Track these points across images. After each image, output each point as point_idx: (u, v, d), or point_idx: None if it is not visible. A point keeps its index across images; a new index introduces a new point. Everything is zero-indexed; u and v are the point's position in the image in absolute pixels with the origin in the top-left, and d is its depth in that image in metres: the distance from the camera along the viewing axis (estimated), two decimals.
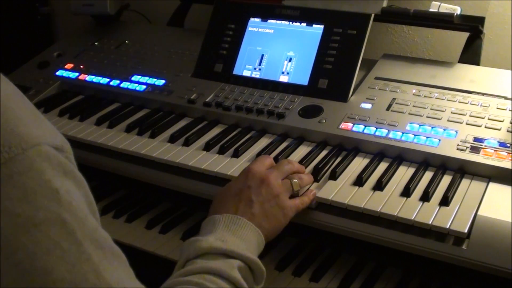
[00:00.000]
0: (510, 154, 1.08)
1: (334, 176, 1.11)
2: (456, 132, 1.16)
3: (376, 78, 1.35)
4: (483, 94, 1.24)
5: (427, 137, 1.16)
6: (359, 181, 1.08)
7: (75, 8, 1.77)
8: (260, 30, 1.44)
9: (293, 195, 1.03)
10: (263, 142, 1.26)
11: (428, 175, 1.09)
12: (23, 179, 0.58)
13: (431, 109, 1.23)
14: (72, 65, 1.63)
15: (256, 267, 0.87)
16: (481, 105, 1.21)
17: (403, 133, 1.18)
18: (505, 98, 1.22)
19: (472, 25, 1.37)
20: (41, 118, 0.65)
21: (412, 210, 1.00)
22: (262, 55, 1.42)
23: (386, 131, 1.19)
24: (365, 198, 1.04)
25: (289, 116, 1.29)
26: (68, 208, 0.60)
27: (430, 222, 0.96)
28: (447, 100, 1.24)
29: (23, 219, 0.58)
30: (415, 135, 1.17)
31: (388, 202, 1.02)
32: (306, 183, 1.08)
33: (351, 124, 1.22)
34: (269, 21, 1.44)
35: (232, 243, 0.87)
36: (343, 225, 1.02)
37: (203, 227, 0.94)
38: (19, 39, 2.13)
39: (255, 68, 1.41)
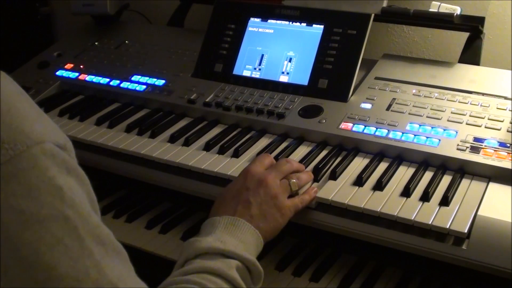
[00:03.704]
0: (510, 154, 1.08)
1: (334, 176, 1.11)
2: (456, 132, 1.16)
3: (376, 78, 1.35)
4: (483, 94, 1.24)
5: (427, 137, 1.16)
6: (359, 181, 1.08)
7: (75, 8, 1.77)
8: (260, 30, 1.44)
9: (292, 195, 1.03)
10: (263, 142, 1.26)
11: (428, 175, 1.09)
12: (27, 176, 0.59)
13: (431, 109, 1.23)
14: (72, 65, 1.63)
15: (253, 268, 0.88)
16: (481, 105, 1.21)
17: (403, 133, 1.18)
18: (505, 98, 1.22)
19: (472, 25, 1.37)
20: (45, 117, 0.66)
21: (412, 210, 1.00)
22: (262, 55, 1.41)
23: (386, 131, 1.19)
24: (365, 198, 1.04)
25: (289, 116, 1.29)
26: (71, 205, 0.61)
27: (430, 222, 0.96)
28: (447, 100, 1.24)
29: (27, 216, 0.58)
30: (415, 135, 1.17)
31: (388, 202, 1.02)
32: (305, 181, 1.07)
33: (351, 124, 1.22)
34: (269, 21, 1.44)
35: (231, 244, 0.88)
36: (343, 225, 1.02)
37: (202, 228, 0.95)
38: (19, 39, 2.13)
39: (255, 68, 1.41)
